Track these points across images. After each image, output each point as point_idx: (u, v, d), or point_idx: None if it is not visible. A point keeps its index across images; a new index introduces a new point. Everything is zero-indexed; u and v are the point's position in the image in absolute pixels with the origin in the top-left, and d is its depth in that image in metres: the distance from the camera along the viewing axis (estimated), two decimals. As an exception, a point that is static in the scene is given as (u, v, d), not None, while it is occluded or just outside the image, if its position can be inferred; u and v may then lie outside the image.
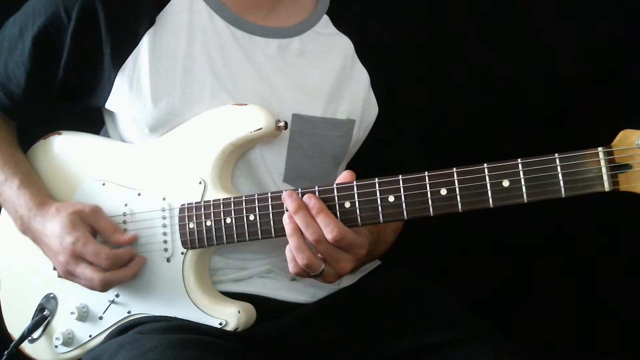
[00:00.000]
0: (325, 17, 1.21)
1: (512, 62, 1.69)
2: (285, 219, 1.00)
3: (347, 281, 1.22)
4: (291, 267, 1.01)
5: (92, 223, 1.10)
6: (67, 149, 1.22)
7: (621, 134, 0.89)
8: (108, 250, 1.08)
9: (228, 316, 1.08)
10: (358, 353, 1.14)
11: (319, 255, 0.99)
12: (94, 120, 1.25)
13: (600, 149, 0.89)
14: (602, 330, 1.74)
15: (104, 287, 1.09)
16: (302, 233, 0.99)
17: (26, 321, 1.19)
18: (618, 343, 1.75)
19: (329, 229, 0.97)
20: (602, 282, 1.73)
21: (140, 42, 1.12)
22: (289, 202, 1.00)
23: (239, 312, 1.08)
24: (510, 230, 1.73)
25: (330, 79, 1.18)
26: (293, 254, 0.99)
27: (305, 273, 1.01)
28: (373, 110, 1.22)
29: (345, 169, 1.22)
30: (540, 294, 1.76)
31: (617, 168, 0.88)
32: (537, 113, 1.68)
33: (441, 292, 1.21)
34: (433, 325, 1.13)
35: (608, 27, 1.63)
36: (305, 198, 1.00)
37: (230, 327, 1.08)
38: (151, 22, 1.12)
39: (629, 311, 1.72)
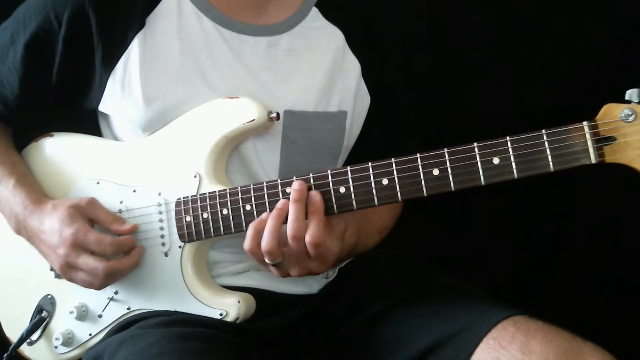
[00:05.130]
0: (315, 10, 1.22)
1: (512, 58, 1.68)
2: (280, 203, 1.02)
3: (332, 272, 1.24)
4: (247, 244, 1.02)
5: (90, 215, 1.11)
6: (59, 150, 1.23)
7: (605, 107, 0.92)
8: (111, 237, 1.09)
9: (228, 307, 1.09)
10: (357, 342, 1.15)
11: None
12: (87, 122, 1.25)
13: (585, 123, 0.92)
14: (602, 330, 1.74)
15: (107, 278, 1.09)
16: (282, 222, 1.01)
17: (24, 323, 1.19)
18: (618, 343, 1.75)
19: (312, 231, 0.99)
20: (602, 282, 1.73)
21: (130, 45, 1.12)
22: (296, 191, 1.01)
23: (238, 302, 1.09)
24: (510, 231, 1.74)
25: (321, 72, 1.19)
26: (263, 234, 1.00)
27: (258, 256, 1.02)
28: (365, 99, 1.23)
29: (345, 163, 1.25)
30: (540, 294, 1.76)
31: (602, 141, 0.91)
32: (537, 113, 1.69)
33: (431, 265, 1.23)
34: (407, 286, 1.15)
35: (608, 27, 1.64)
36: (313, 192, 1.01)
37: (230, 318, 1.09)
38: (141, 25, 1.13)
39: (629, 311, 1.72)
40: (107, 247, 1.08)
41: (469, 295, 1.12)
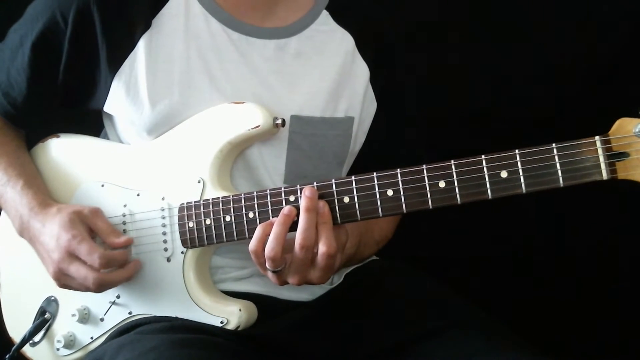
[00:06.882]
0: (325, 13, 1.19)
1: (513, 61, 1.68)
2: (286, 210, 1.00)
3: (337, 277, 1.22)
4: (252, 245, 1.00)
5: (90, 224, 1.10)
6: (65, 152, 1.23)
7: (618, 122, 0.89)
8: (102, 250, 1.07)
9: (229, 314, 1.08)
10: (358, 349, 1.14)
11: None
12: (93, 123, 1.25)
13: (597, 137, 0.89)
14: (603, 330, 1.73)
15: (98, 288, 1.08)
16: (288, 229, 0.99)
17: (27, 324, 1.19)
18: (618, 343, 1.74)
19: (328, 242, 0.97)
20: (602, 282, 1.73)
21: (137, 46, 1.12)
22: (308, 199, 0.98)
23: (240, 310, 1.08)
24: (510, 231, 1.73)
25: (329, 77, 1.17)
26: (268, 240, 0.98)
27: (260, 259, 1.00)
28: (371, 105, 1.21)
29: (350, 170, 1.23)
30: (541, 294, 1.75)
31: (614, 156, 0.88)
32: (537, 113, 1.68)
33: (437, 283, 1.22)
34: (430, 315, 1.13)
35: (608, 27, 1.63)
36: (321, 203, 0.99)
37: (231, 326, 1.08)
38: (147, 26, 1.12)
39: (629, 311, 1.71)
40: (96, 260, 1.06)
41: (494, 335, 1.08)
